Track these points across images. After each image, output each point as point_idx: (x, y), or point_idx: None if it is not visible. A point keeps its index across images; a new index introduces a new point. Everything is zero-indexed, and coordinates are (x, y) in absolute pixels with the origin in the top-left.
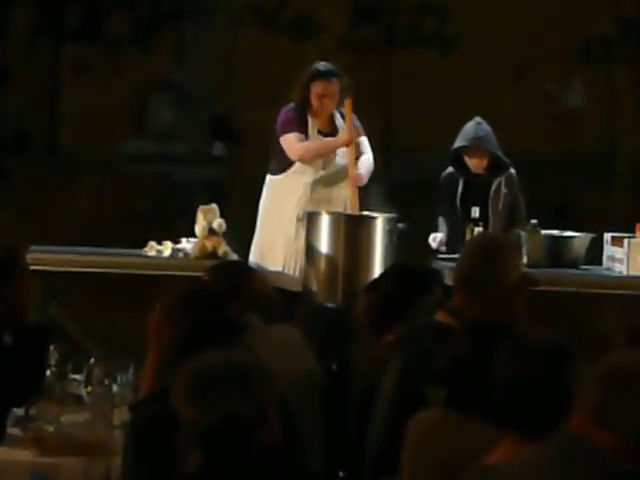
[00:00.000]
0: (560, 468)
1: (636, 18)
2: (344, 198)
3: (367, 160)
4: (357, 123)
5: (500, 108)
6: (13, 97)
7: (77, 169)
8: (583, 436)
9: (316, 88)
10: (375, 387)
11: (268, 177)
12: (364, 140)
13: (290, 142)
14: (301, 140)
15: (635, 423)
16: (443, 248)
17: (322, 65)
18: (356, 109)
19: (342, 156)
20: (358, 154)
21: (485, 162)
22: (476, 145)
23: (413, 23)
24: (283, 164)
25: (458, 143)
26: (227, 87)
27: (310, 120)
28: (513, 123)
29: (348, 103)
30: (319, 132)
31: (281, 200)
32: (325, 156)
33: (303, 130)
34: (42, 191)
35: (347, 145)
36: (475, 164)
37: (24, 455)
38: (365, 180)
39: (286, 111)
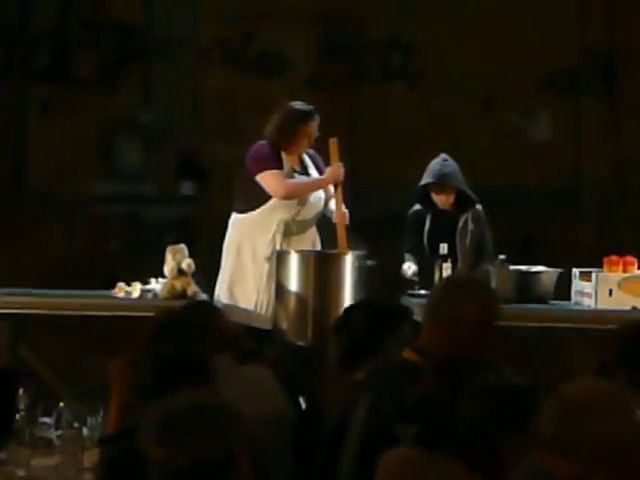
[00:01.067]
0: None
1: (600, 49)
2: (314, 236)
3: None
4: (321, 163)
5: (467, 141)
6: None
7: (44, 209)
8: (544, 468)
9: (309, 128)
10: (345, 425)
11: (234, 215)
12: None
13: (274, 180)
14: (284, 177)
15: (587, 451)
16: (416, 278)
17: (304, 105)
18: (323, 145)
19: (314, 195)
20: (331, 194)
21: (452, 198)
22: (442, 182)
23: (379, 59)
24: (254, 202)
25: (424, 180)
26: (194, 125)
27: (284, 157)
28: (480, 156)
29: (333, 142)
30: (293, 170)
31: (253, 237)
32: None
33: (280, 167)
34: (8, 232)
35: (335, 184)
36: (442, 200)
37: None
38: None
39: (260, 149)
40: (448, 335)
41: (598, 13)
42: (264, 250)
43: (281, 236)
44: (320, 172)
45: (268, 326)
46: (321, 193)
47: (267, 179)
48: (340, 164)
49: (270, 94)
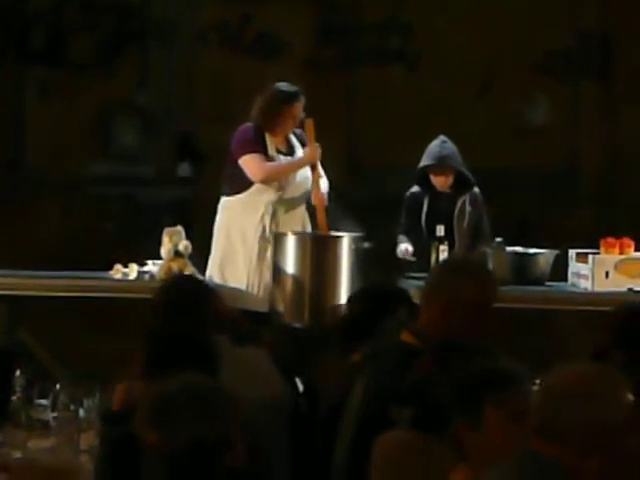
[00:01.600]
0: None
1: (597, 31)
2: (303, 216)
3: (324, 182)
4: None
5: (464, 124)
6: None
7: (42, 191)
8: (538, 452)
9: (294, 109)
10: (341, 407)
11: (223, 198)
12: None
13: (253, 163)
14: (263, 161)
15: (578, 435)
16: (413, 258)
17: (289, 86)
18: (320, 128)
19: (300, 174)
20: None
21: (450, 180)
22: (441, 164)
23: (377, 42)
24: (240, 185)
25: (423, 162)
26: (190, 107)
27: (268, 139)
28: (478, 139)
29: (309, 123)
30: (278, 151)
31: (242, 220)
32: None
33: (263, 150)
34: (6, 213)
35: (311, 165)
36: (440, 182)
37: None
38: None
39: (243, 132)
40: (445, 317)
41: None
42: (253, 232)
43: (270, 217)
44: None
45: (261, 308)
46: (307, 172)
47: (247, 162)
48: (317, 145)
49: (267, 76)
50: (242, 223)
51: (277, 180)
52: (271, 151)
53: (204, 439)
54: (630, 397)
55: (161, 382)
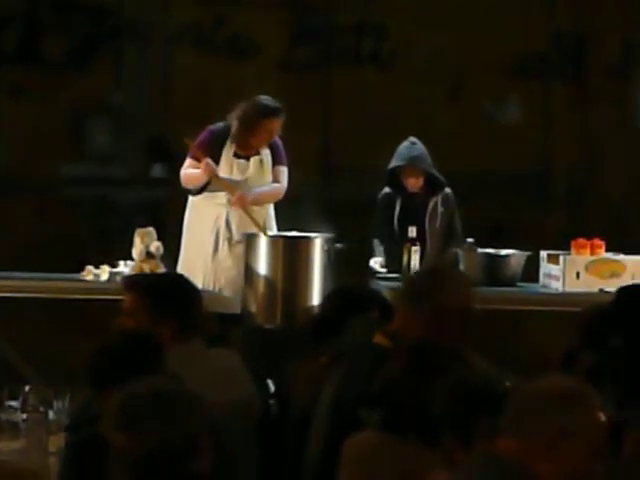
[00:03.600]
0: None
1: (569, 33)
2: (264, 217)
3: (274, 187)
4: (281, 149)
5: (438, 125)
6: None
7: (14, 192)
8: (496, 452)
9: (271, 124)
10: (312, 409)
11: (190, 198)
12: (284, 170)
13: (184, 166)
14: (192, 166)
15: (536, 433)
16: (384, 270)
17: (272, 101)
18: (294, 129)
19: (256, 178)
20: (275, 181)
21: (421, 181)
22: (411, 164)
23: (351, 43)
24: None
25: (393, 163)
26: (165, 107)
27: (228, 144)
28: (451, 141)
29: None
30: (235, 155)
31: (200, 221)
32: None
33: (211, 156)
34: None
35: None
36: (411, 183)
37: None
38: (251, 203)
39: (203, 134)
40: (427, 323)
41: None
42: (208, 233)
43: (224, 220)
44: (274, 160)
45: (235, 310)
46: (267, 176)
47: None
48: (280, 152)
49: (240, 78)
50: (200, 224)
51: (192, 188)
52: (227, 154)
53: (170, 442)
54: (602, 416)
55: (126, 386)
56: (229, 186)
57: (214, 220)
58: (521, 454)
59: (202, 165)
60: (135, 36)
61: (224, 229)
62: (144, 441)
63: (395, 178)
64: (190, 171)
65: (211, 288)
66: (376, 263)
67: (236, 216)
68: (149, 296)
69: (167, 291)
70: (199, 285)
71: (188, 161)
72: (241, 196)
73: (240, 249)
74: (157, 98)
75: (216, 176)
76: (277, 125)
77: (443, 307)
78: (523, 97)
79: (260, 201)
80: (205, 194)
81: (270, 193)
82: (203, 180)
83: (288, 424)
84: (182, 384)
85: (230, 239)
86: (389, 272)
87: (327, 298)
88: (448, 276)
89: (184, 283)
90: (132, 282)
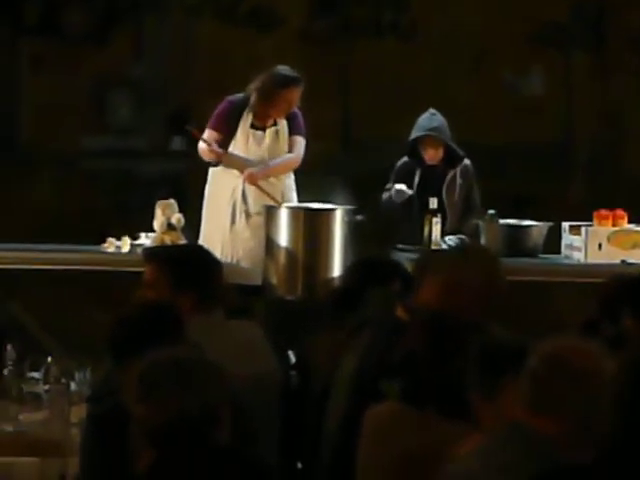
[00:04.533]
0: (505, 455)
1: (591, 3)
2: (282, 187)
3: (287, 157)
4: (299, 120)
5: (458, 97)
6: None
7: (35, 164)
8: (524, 424)
9: (290, 94)
10: (333, 380)
11: (210, 169)
12: (299, 140)
13: (203, 138)
14: (211, 138)
15: (566, 408)
16: (411, 191)
17: (290, 71)
18: (314, 100)
19: (272, 149)
20: (290, 151)
21: (440, 153)
22: (430, 136)
23: (371, 14)
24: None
25: (414, 134)
26: (185, 80)
27: (245, 115)
28: (471, 112)
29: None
30: (252, 126)
31: (218, 193)
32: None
33: (228, 127)
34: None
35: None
36: (430, 155)
37: None
38: (262, 177)
39: (221, 105)
40: (446, 300)
41: None
42: (225, 204)
43: (240, 191)
44: (291, 130)
45: (256, 282)
46: (284, 147)
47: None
48: (299, 122)
49: (260, 49)
50: (218, 195)
51: (208, 160)
52: (244, 125)
53: (190, 412)
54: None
55: (146, 357)
56: (240, 165)
57: (231, 192)
58: (547, 426)
59: (208, 151)
60: (156, 8)
61: (240, 201)
62: (163, 409)
63: (415, 150)
64: (204, 146)
65: (229, 259)
66: (402, 190)
67: (252, 189)
68: (169, 267)
69: (187, 262)
70: (218, 256)
71: (207, 132)
72: (250, 174)
73: (258, 221)
74: (177, 70)
75: (226, 156)
76: (296, 95)
77: (459, 284)
78: (544, 68)
79: (273, 173)
80: (222, 165)
81: (283, 164)
82: (214, 160)
83: (309, 396)
84: (203, 354)
85: (247, 211)
86: (409, 243)
87: (348, 270)
88: (468, 255)
89: (204, 254)
90: (152, 253)
